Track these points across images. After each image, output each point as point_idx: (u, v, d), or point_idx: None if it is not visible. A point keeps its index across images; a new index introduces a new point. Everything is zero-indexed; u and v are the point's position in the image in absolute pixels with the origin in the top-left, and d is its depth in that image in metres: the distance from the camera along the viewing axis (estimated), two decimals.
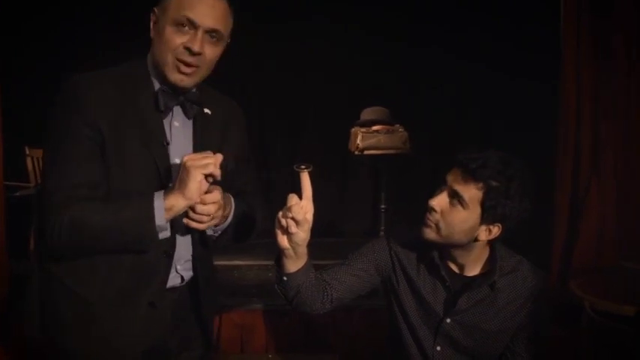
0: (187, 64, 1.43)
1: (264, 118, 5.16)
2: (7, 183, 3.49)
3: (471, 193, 1.57)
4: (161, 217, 1.37)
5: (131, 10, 4.52)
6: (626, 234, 3.05)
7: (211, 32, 1.43)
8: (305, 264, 1.55)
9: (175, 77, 1.44)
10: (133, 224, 1.37)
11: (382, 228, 4.32)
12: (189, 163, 1.35)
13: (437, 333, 1.70)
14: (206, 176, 1.36)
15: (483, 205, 1.57)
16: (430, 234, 1.64)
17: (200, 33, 1.41)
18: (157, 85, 1.49)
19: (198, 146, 1.53)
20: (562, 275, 3.08)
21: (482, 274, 1.69)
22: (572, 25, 3.07)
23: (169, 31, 1.41)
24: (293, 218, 1.41)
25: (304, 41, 4.85)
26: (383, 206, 4.35)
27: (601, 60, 3.06)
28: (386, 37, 4.78)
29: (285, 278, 1.56)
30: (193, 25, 1.41)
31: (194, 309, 1.65)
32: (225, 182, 1.46)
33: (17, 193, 4.14)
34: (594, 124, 3.09)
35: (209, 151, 1.39)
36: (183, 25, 1.40)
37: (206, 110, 1.54)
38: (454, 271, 1.71)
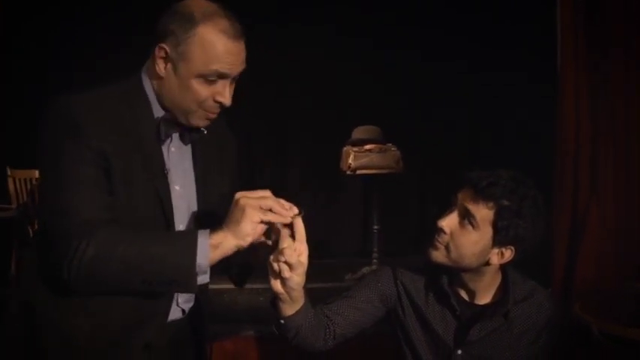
0: (214, 112, 1.37)
1: (251, 137, 5.08)
2: None
3: (482, 212, 1.49)
4: (204, 255, 1.22)
5: (131, 10, 4.50)
6: (627, 254, 2.99)
7: (237, 75, 1.37)
8: (302, 306, 1.43)
9: (200, 123, 1.38)
10: (170, 258, 1.22)
11: (375, 249, 4.23)
12: (243, 201, 1.23)
13: None
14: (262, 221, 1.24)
15: (495, 225, 1.49)
16: (438, 257, 1.54)
17: (229, 82, 1.35)
18: (157, 112, 1.39)
19: (199, 171, 1.45)
20: (564, 297, 3.01)
21: (495, 303, 1.59)
22: (570, 43, 3.07)
23: (196, 83, 1.32)
24: (286, 262, 1.29)
25: (291, 56, 4.80)
26: (375, 227, 4.26)
27: (599, 76, 3.05)
28: (376, 54, 4.75)
29: (282, 321, 1.45)
30: (223, 76, 1.33)
31: (193, 341, 1.55)
32: (220, 208, 1.35)
33: None
34: (593, 144, 3.06)
35: (267, 190, 1.27)
36: (211, 78, 1.32)
37: (202, 129, 1.45)
38: (464, 299, 1.61)
